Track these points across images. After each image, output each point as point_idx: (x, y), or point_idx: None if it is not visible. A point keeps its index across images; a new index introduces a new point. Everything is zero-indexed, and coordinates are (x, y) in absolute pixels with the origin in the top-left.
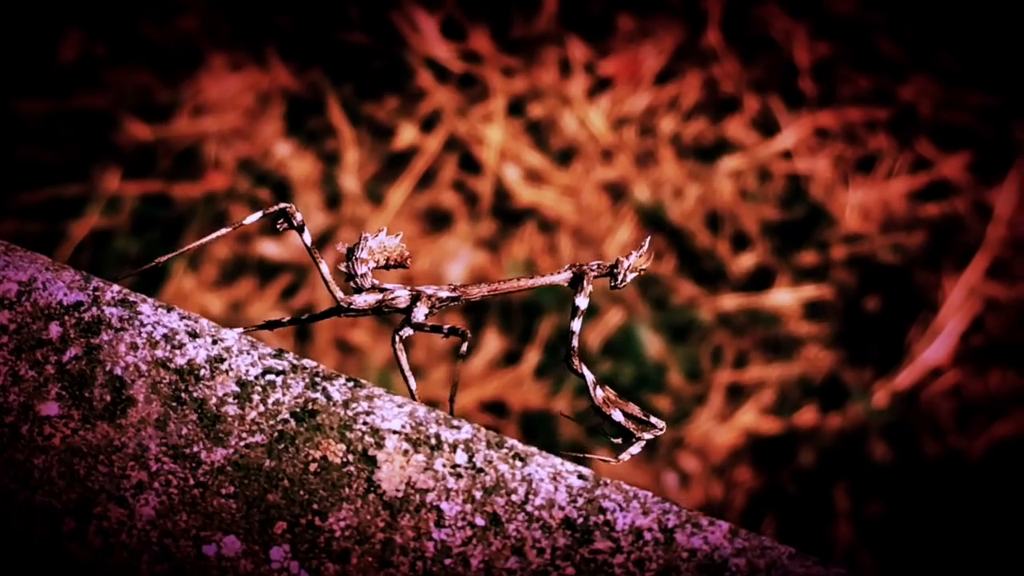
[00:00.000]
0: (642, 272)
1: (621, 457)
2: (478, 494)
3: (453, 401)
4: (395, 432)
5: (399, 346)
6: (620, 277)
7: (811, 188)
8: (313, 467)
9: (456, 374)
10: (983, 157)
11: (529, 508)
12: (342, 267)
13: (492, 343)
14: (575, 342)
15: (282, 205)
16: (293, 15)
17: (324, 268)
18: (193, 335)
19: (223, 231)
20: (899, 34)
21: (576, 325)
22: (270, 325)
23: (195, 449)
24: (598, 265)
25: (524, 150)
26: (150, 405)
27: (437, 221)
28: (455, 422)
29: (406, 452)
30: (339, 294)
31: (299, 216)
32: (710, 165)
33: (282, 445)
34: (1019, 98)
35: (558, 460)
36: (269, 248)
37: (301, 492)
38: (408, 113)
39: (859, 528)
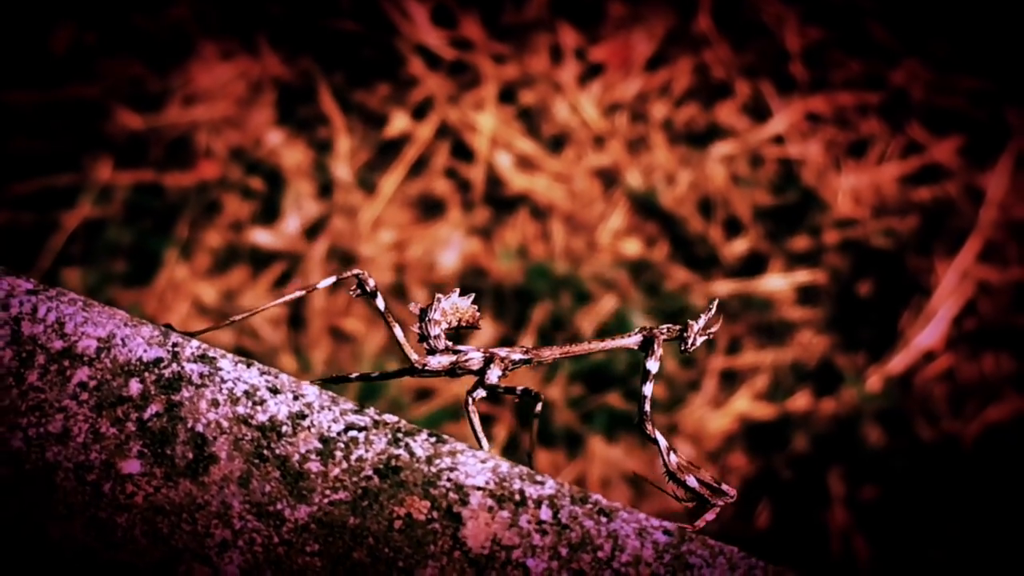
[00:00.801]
0: (712, 335)
1: (697, 524)
2: (564, 551)
3: (532, 457)
4: (479, 488)
5: (472, 408)
6: (690, 340)
7: (803, 173)
8: (398, 524)
9: (532, 434)
10: (975, 141)
11: (616, 565)
12: (415, 328)
13: (486, 330)
14: (647, 407)
15: (356, 271)
16: (283, 3)
17: (398, 332)
18: (274, 391)
19: (298, 293)
20: (890, 18)
21: (648, 389)
22: (338, 380)
23: (279, 507)
24: (667, 328)
25: (516, 137)
26: (232, 462)
27: (429, 209)
28: (539, 477)
29: (491, 509)
30: (413, 356)
31: (372, 282)
32: (702, 151)
33: (366, 502)
34: (1011, 82)
35: (643, 515)
36: (262, 237)
37: (386, 550)
38: (399, 100)
39: (854, 513)
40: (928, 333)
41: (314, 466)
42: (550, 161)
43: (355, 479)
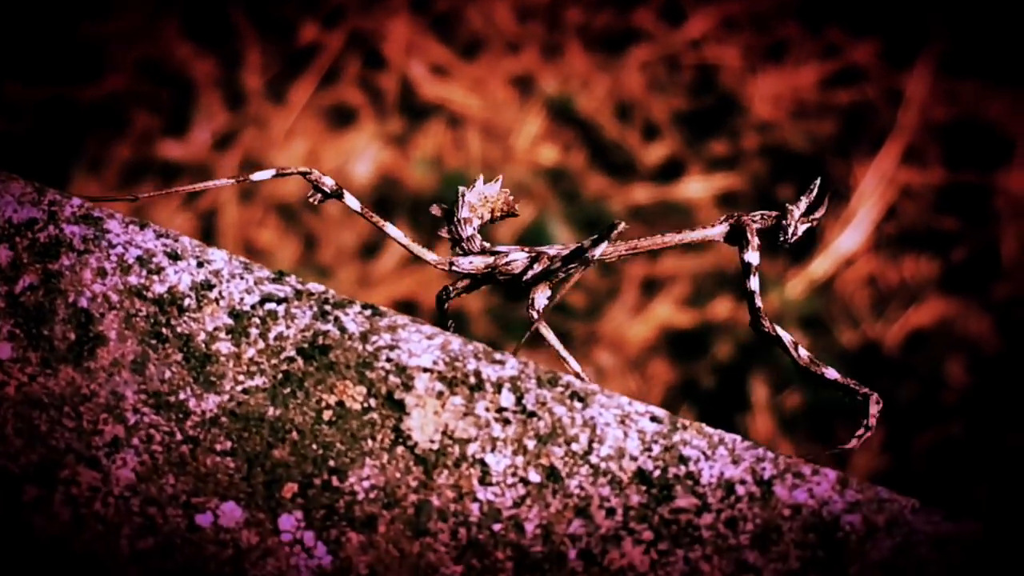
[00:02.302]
0: (816, 223)
1: (869, 423)
2: (531, 443)
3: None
4: (426, 370)
5: (542, 323)
6: (791, 229)
7: (721, 77)
8: (327, 415)
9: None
10: (893, 42)
11: (594, 459)
12: (444, 233)
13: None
14: (759, 302)
15: (301, 169)
16: None
17: (392, 230)
18: (174, 256)
19: (226, 181)
20: None
21: (754, 283)
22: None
23: (182, 396)
24: (762, 216)
25: (429, 44)
26: (124, 344)
27: (342, 119)
28: (498, 355)
29: (440, 394)
30: (430, 256)
31: (329, 181)
32: (618, 56)
33: (288, 389)
34: None
35: (625, 399)
36: (172, 149)
37: (314, 446)
38: (310, 9)
39: (777, 419)
40: (849, 237)
41: (224, 347)
42: (465, 68)
43: (274, 362)
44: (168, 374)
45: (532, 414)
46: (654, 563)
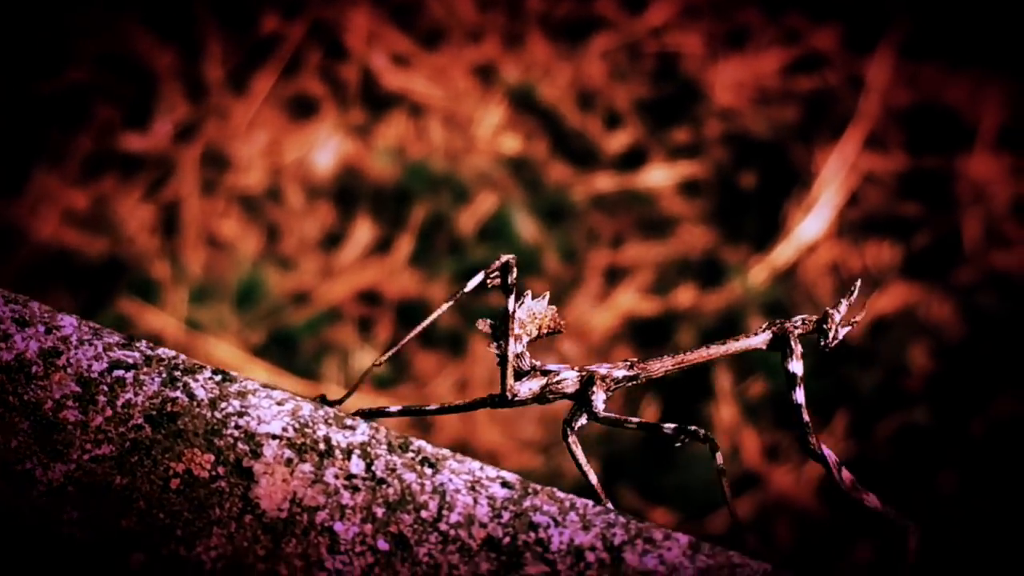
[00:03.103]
0: (855, 325)
1: (909, 560)
2: (380, 511)
3: (740, 528)
4: (275, 437)
5: (572, 439)
6: (831, 334)
7: (682, 65)
8: (175, 483)
9: (725, 490)
10: (854, 28)
11: (443, 527)
12: (494, 349)
13: (363, 231)
14: (806, 417)
15: (506, 258)
16: None
17: (513, 348)
18: (22, 323)
19: (448, 304)
20: None
21: (799, 396)
22: (408, 412)
23: (28, 466)
24: (803, 321)
25: (391, 34)
26: None
27: (304, 109)
28: (349, 421)
29: (290, 461)
30: (510, 381)
31: (515, 272)
32: (580, 44)
33: (136, 457)
34: None
35: (476, 464)
36: (133, 141)
37: (161, 515)
38: (270, 0)
39: (741, 408)
40: (811, 224)
41: (71, 415)
42: (426, 58)
43: (122, 430)
44: (15, 443)
45: (382, 481)
46: None
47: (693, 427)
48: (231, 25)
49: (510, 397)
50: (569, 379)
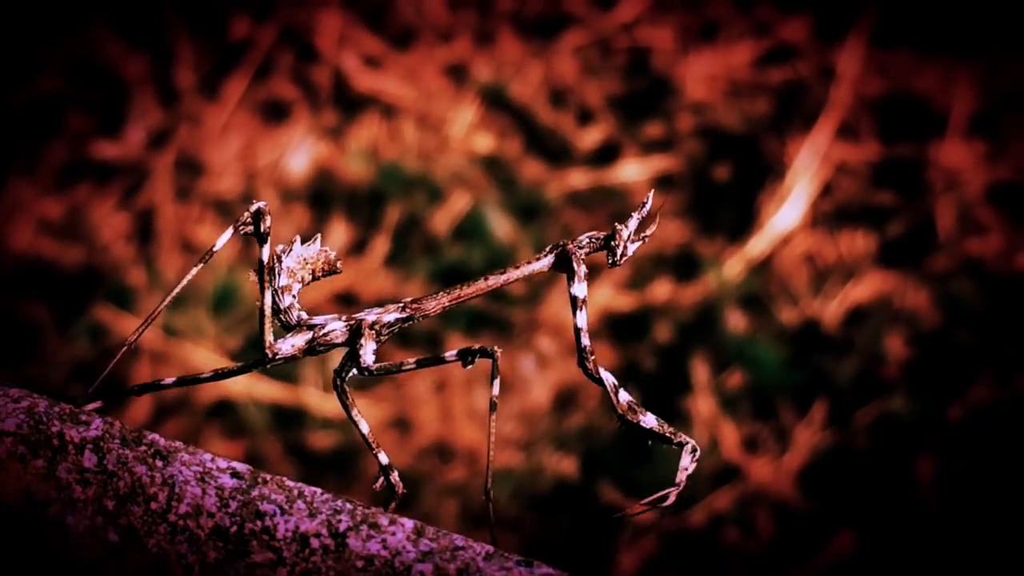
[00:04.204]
0: (646, 239)
1: (678, 479)
2: (110, 504)
3: (489, 486)
4: (8, 434)
5: (347, 391)
6: (619, 250)
7: (653, 59)
8: None
9: (490, 434)
10: (824, 18)
11: (172, 517)
12: (261, 303)
13: (338, 233)
14: (586, 340)
15: (257, 205)
16: None
17: (268, 301)
18: None
19: (199, 265)
20: None
21: (581, 320)
22: (155, 387)
23: None
24: (589, 239)
25: (362, 36)
26: None
27: (276, 113)
28: (84, 416)
29: (23, 458)
30: (269, 338)
31: (268, 220)
32: (551, 41)
33: None
34: None
35: (208, 456)
36: (106, 149)
37: None
38: (241, 4)
39: (719, 399)
40: (785, 215)
41: None
42: (397, 59)
43: None
44: None
45: (113, 475)
46: None
47: (478, 346)
48: (201, 30)
49: (271, 356)
50: (337, 329)
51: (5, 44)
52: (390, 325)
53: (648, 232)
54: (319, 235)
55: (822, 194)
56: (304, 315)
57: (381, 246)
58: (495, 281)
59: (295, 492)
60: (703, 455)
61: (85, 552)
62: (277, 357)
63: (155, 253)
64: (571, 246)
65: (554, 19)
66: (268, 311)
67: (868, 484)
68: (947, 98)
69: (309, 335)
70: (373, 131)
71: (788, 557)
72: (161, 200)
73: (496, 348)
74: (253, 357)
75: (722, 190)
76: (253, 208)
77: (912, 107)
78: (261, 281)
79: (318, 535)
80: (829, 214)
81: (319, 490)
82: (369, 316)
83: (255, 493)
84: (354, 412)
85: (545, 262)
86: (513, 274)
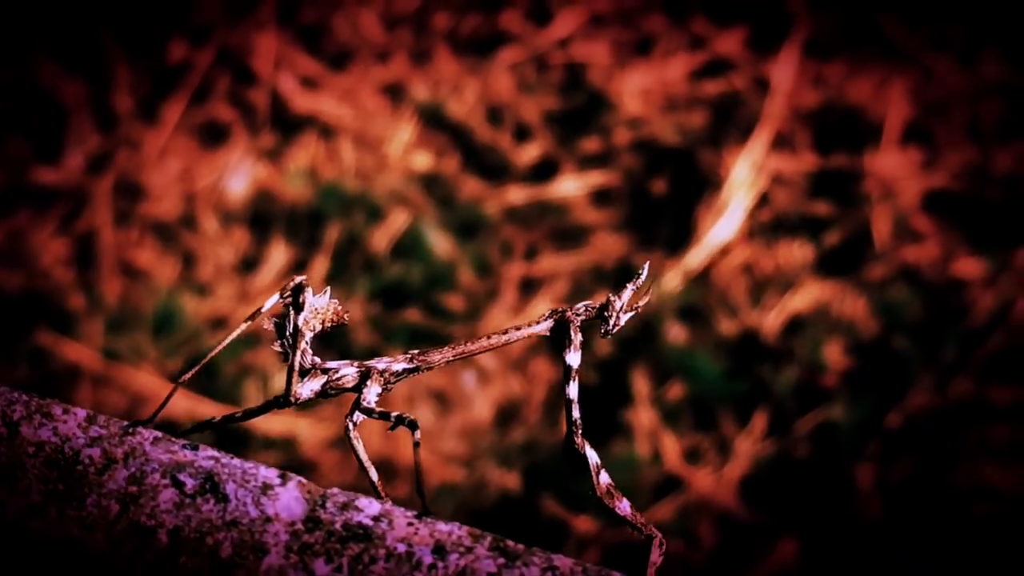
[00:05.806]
0: (638, 310)
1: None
2: None
3: (423, 496)
4: None
5: (354, 434)
6: (612, 320)
7: (589, 75)
8: None
9: (417, 464)
10: (759, 30)
11: None
12: (277, 347)
13: (278, 254)
14: (576, 413)
15: (299, 279)
16: None
17: (298, 358)
18: None
19: (246, 323)
20: None
21: (573, 391)
22: (201, 427)
23: None
24: (584, 307)
25: (298, 57)
26: None
27: (215, 136)
28: None
29: None
30: (295, 388)
31: (309, 293)
32: (487, 59)
33: None
34: None
35: None
36: (45, 174)
37: None
38: (178, 27)
39: (660, 411)
40: (723, 227)
41: None
42: (334, 79)
43: None
44: None
45: None
46: None
47: (407, 416)
48: (138, 54)
49: (293, 400)
50: (348, 375)
51: None
52: (397, 374)
53: (640, 303)
54: (328, 288)
55: (759, 205)
56: (318, 360)
57: (321, 265)
58: (497, 340)
59: None
60: (645, 466)
61: None
62: (298, 401)
63: (95, 278)
64: (569, 313)
65: (490, 37)
66: (296, 367)
67: (809, 492)
68: (881, 107)
69: (324, 379)
70: (311, 151)
71: (731, 566)
72: (101, 224)
73: (418, 433)
74: (196, 378)
75: (660, 203)
76: (296, 281)
77: (847, 117)
78: (295, 344)
79: None
80: (766, 225)
81: None
82: (379, 364)
83: None
84: (364, 458)
85: (544, 326)
86: (514, 335)
